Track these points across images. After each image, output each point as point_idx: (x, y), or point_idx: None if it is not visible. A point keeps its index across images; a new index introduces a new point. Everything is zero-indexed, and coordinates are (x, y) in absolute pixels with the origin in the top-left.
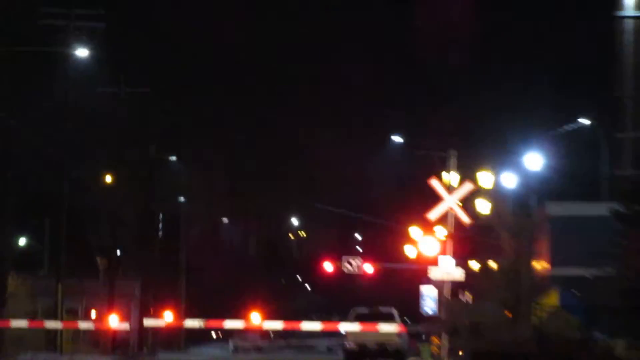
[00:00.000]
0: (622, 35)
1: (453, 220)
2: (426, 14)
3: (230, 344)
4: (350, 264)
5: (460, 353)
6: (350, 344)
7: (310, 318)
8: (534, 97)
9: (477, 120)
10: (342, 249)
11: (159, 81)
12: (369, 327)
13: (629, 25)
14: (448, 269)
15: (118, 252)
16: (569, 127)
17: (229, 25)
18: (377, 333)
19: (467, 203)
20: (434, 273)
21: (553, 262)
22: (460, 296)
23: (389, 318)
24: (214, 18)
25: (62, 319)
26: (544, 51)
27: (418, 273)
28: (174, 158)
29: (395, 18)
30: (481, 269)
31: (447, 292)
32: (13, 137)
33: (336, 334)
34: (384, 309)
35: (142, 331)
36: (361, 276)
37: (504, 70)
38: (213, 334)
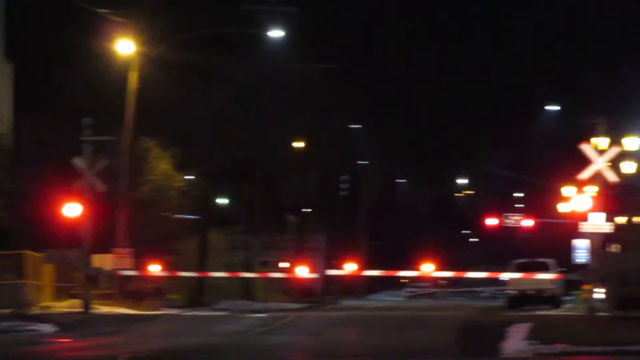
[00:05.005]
0: None
1: (602, 180)
2: None
3: (405, 291)
4: (511, 219)
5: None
6: (511, 290)
7: (476, 268)
8: None
9: (624, 89)
10: (503, 206)
11: (349, 58)
12: (528, 275)
13: None
14: (598, 223)
15: (306, 210)
16: None
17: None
18: (535, 280)
19: (614, 164)
20: (585, 227)
21: None
22: (608, 248)
23: (545, 267)
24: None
25: (256, 270)
26: None
27: (570, 227)
28: (357, 126)
29: None
30: (627, 223)
31: (596, 244)
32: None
33: (498, 281)
34: (541, 260)
35: (327, 280)
36: (521, 230)
37: None
38: (390, 283)
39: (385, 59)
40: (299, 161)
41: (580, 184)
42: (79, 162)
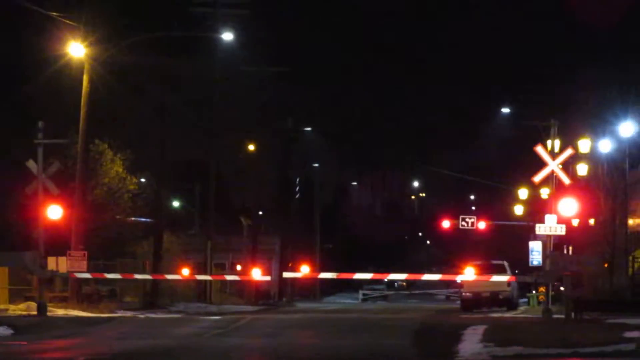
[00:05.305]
0: None
1: (555, 182)
2: None
3: (360, 294)
4: (466, 221)
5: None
6: (466, 293)
7: (430, 270)
8: (630, 71)
9: (576, 92)
10: (458, 208)
11: (301, 62)
12: (483, 277)
13: None
14: (552, 225)
15: (260, 213)
16: None
17: None
18: (490, 283)
19: (567, 166)
20: (540, 229)
21: None
22: (563, 250)
23: (500, 269)
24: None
25: (211, 273)
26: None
27: (526, 229)
28: (309, 129)
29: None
30: (581, 225)
31: (551, 246)
32: (168, 113)
33: (453, 284)
34: (496, 262)
35: (282, 283)
36: (475, 232)
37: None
38: (344, 285)
39: (338, 62)
40: (252, 163)
41: (535, 186)
42: (32, 165)
